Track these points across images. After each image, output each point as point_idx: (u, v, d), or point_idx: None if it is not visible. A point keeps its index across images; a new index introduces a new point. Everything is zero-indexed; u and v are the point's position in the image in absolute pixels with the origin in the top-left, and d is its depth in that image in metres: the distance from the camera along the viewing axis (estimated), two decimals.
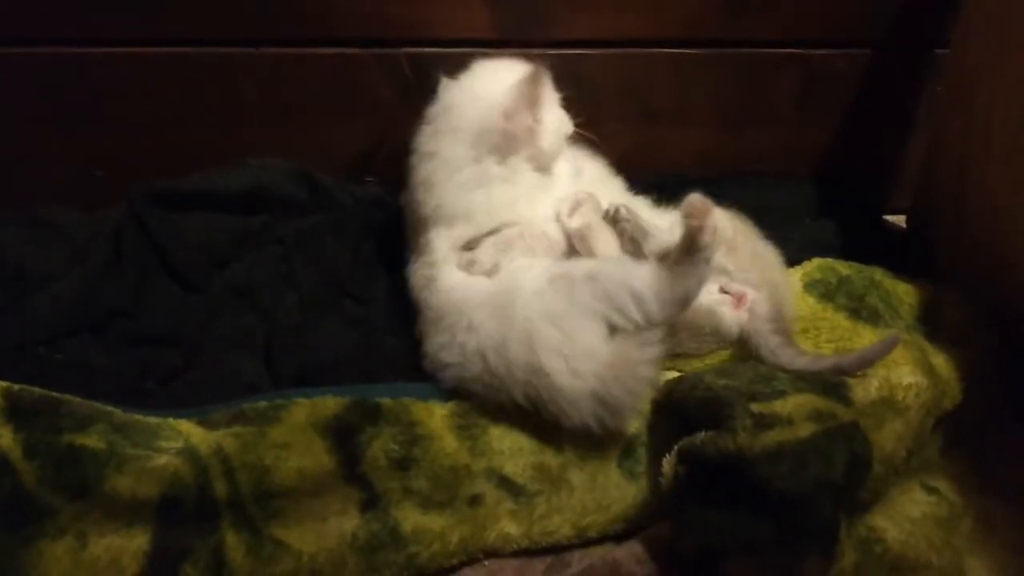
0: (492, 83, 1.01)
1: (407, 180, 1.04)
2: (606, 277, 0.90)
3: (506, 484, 0.90)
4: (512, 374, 0.89)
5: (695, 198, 0.89)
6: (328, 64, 1.22)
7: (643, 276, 0.89)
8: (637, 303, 0.88)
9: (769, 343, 0.91)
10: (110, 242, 1.14)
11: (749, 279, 0.96)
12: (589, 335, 0.89)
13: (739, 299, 0.95)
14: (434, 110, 1.04)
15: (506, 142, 0.98)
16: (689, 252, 0.88)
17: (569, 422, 0.88)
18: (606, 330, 0.89)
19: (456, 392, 0.95)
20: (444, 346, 0.95)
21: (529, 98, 0.97)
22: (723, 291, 0.97)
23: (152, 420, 0.91)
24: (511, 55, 1.06)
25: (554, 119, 1.01)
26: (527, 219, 0.99)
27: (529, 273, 0.92)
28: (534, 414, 0.90)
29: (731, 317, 0.95)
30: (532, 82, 0.97)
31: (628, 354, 0.88)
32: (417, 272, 1.02)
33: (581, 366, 0.87)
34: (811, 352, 0.92)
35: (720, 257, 0.96)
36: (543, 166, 1.01)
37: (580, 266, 0.93)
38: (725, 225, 0.96)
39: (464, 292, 0.95)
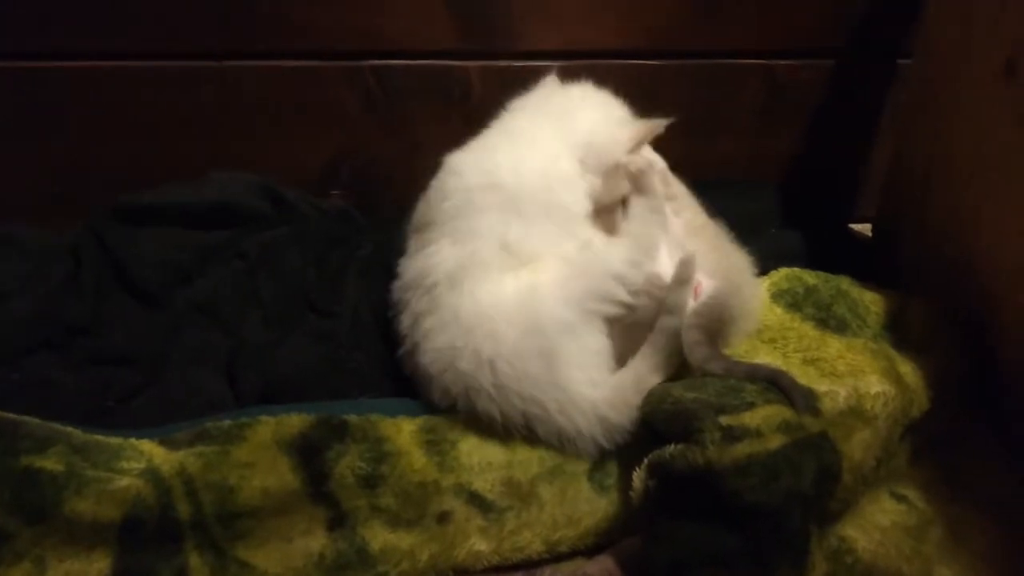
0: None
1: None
2: (589, 273, 0.90)
3: (476, 500, 0.89)
4: (521, 387, 0.88)
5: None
6: (292, 77, 1.22)
7: (614, 254, 0.90)
8: (620, 282, 0.89)
9: (688, 336, 0.89)
10: (70, 258, 1.13)
11: (705, 266, 0.95)
12: (596, 338, 0.90)
13: (695, 287, 0.94)
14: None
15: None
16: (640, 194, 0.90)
17: (574, 437, 0.88)
18: (605, 327, 0.90)
19: (429, 404, 0.94)
20: (451, 350, 0.91)
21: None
22: None
23: (113, 440, 0.89)
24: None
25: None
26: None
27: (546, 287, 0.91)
28: (502, 429, 0.90)
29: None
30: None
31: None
32: (437, 268, 0.94)
33: (597, 374, 0.88)
34: (730, 357, 0.91)
35: (679, 231, 0.97)
36: None
37: (560, 272, 0.92)
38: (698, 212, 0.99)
39: (496, 297, 0.92)
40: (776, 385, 0.84)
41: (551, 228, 0.95)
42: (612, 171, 0.97)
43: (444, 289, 0.93)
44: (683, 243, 0.96)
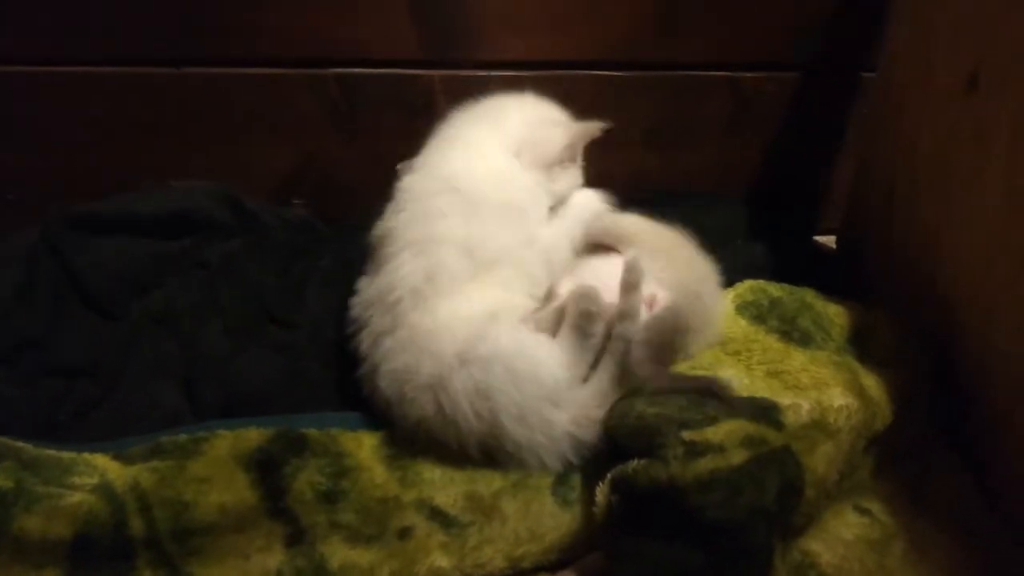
0: None
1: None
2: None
3: (437, 515, 0.87)
4: (482, 410, 0.87)
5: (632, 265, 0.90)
6: (254, 84, 1.20)
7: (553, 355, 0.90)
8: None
9: (634, 353, 0.88)
10: (22, 268, 1.10)
11: (662, 279, 0.94)
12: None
13: (650, 303, 0.93)
14: None
15: None
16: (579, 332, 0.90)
17: (540, 456, 0.88)
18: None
19: (388, 421, 0.93)
20: (409, 373, 0.90)
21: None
22: None
23: (65, 455, 0.87)
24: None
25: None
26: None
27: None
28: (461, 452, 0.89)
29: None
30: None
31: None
32: (402, 283, 0.93)
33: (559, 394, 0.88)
34: (675, 372, 0.90)
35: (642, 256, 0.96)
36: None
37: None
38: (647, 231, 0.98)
39: (456, 318, 0.91)
40: (715, 396, 0.84)
41: (508, 229, 0.96)
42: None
43: (408, 306, 0.92)
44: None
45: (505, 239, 0.96)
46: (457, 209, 0.95)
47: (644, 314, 0.91)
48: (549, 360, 0.88)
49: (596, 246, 0.99)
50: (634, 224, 0.99)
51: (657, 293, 0.93)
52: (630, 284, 0.89)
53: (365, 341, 0.95)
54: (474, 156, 0.99)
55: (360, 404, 0.97)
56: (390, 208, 0.99)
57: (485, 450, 0.89)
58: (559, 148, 0.99)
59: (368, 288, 0.97)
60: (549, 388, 0.88)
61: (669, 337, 0.91)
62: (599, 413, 0.87)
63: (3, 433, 0.88)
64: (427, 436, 0.90)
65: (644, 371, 0.87)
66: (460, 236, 0.93)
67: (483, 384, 0.86)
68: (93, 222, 1.14)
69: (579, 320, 0.89)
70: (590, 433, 0.88)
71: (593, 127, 0.99)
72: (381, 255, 0.97)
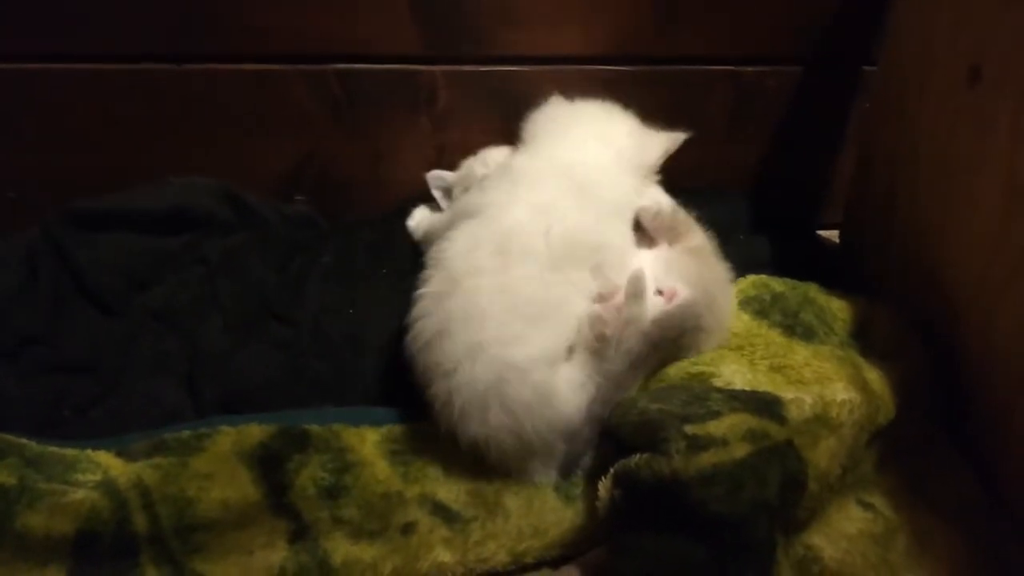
0: None
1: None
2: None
3: (440, 510, 0.87)
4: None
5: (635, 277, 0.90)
6: (254, 81, 1.20)
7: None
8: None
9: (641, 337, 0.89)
10: (23, 265, 1.10)
11: (686, 277, 0.94)
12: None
13: (670, 296, 0.93)
14: None
15: None
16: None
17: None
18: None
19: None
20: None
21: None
22: (659, 292, 0.95)
23: (68, 452, 0.87)
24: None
25: None
26: None
27: None
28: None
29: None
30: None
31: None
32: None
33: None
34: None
35: (672, 253, 0.97)
36: None
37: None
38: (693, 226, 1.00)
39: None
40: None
41: (612, 225, 0.97)
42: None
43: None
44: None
45: (607, 234, 0.96)
46: (570, 196, 0.95)
47: (661, 305, 0.91)
48: (569, 407, 0.88)
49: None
50: (686, 219, 1.00)
51: (678, 288, 0.93)
52: (634, 293, 0.89)
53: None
54: (588, 149, 1.01)
55: (361, 399, 0.98)
56: (482, 183, 1.00)
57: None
58: (659, 154, 1.03)
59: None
60: (560, 430, 0.88)
61: (677, 332, 0.91)
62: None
63: (5, 429, 0.88)
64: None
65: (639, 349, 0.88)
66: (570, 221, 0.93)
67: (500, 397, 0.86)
68: (93, 218, 1.14)
69: (595, 343, 0.89)
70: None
71: (680, 136, 1.04)
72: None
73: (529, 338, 0.87)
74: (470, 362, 0.85)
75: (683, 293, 0.93)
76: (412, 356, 0.90)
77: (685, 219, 1.00)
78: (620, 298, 0.91)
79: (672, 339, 0.91)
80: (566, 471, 0.89)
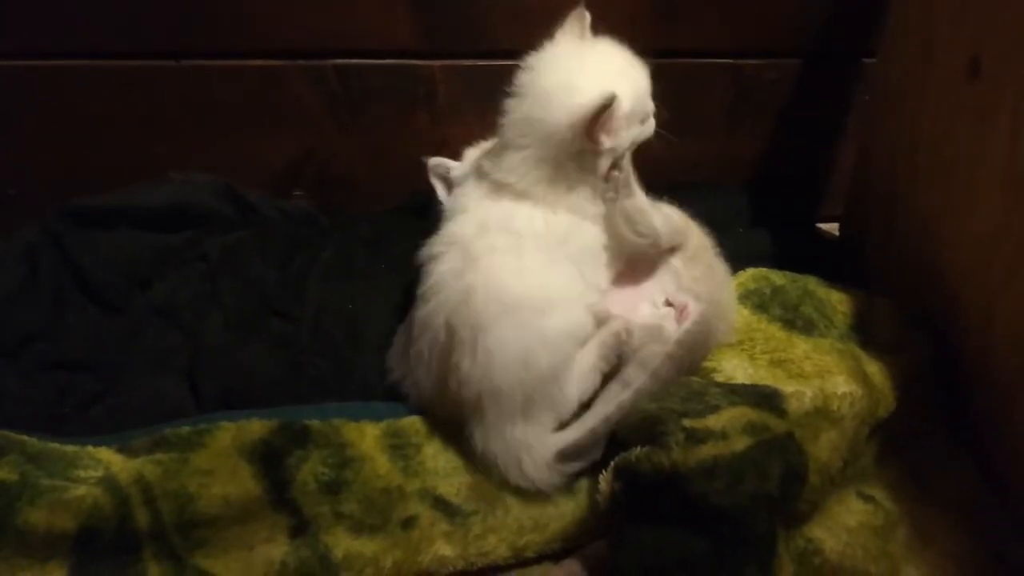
0: None
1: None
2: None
3: (441, 504, 0.88)
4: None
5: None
6: (253, 76, 1.20)
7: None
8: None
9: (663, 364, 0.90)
10: (24, 262, 1.11)
11: (696, 290, 0.95)
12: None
13: (682, 310, 0.94)
14: None
15: None
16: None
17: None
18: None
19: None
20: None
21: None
22: (668, 303, 0.96)
23: (69, 448, 0.87)
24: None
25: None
26: None
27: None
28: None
29: (673, 330, 0.94)
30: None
31: None
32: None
33: None
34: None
35: (677, 261, 0.97)
36: None
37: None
38: (693, 231, 0.99)
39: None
40: None
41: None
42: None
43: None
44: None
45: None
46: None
47: (675, 324, 0.93)
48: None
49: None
50: (683, 229, 0.99)
51: (688, 302, 0.94)
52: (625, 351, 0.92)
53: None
54: None
55: (361, 396, 0.98)
56: None
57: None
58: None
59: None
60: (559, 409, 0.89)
61: (698, 348, 0.93)
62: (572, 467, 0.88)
63: (7, 426, 0.87)
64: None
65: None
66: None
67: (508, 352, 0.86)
68: (94, 216, 1.14)
69: (610, 349, 0.91)
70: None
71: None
72: None
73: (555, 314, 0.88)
74: (500, 326, 0.86)
75: (693, 308, 0.94)
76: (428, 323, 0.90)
77: (683, 229, 0.99)
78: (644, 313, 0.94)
79: (694, 357, 0.92)
80: (571, 477, 0.89)
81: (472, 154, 1.09)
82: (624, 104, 0.91)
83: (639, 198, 0.93)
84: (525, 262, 0.89)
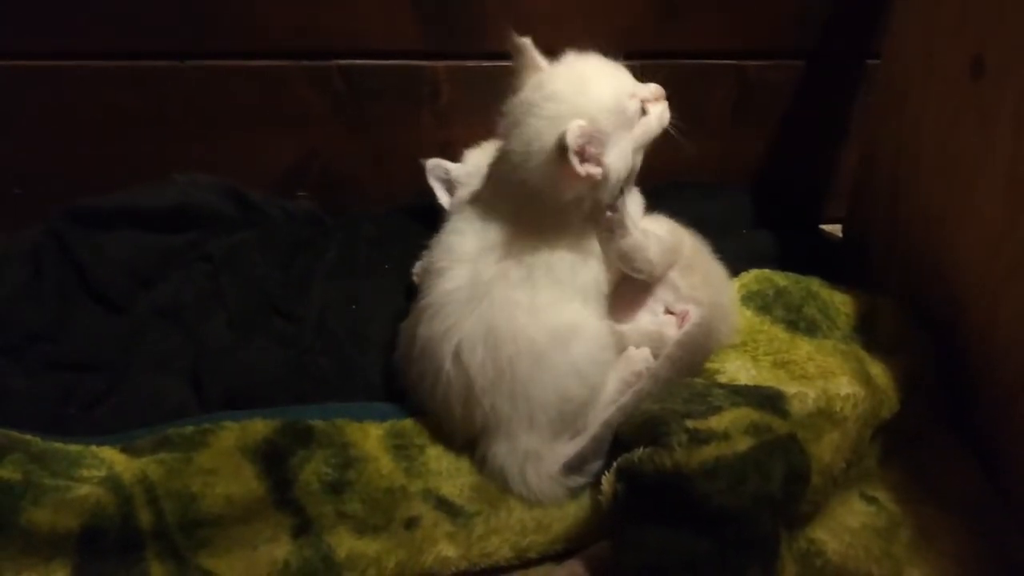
0: None
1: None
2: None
3: (444, 505, 0.88)
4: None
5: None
6: (257, 77, 1.20)
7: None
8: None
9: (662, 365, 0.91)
10: (29, 263, 1.11)
11: (696, 297, 0.95)
12: None
13: (682, 318, 0.95)
14: None
15: None
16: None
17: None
18: None
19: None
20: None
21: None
22: (668, 311, 0.96)
23: (73, 448, 0.87)
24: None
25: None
26: None
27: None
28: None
29: (673, 336, 0.95)
30: None
31: None
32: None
33: None
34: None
35: (674, 274, 0.97)
36: None
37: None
38: (686, 243, 0.98)
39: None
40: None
41: None
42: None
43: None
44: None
45: None
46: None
47: (676, 329, 0.94)
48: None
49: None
50: (677, 238, 0.99)
51: (689, 309, 0.95)
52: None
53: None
54: None
55: (364, 396, 0.98)
56: None
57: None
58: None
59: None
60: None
61: (699, 350, 0.93)
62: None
63: (11, 426, 0.87)
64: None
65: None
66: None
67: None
68: (98, 216, 1.14)
69: (629, 386, 0.91)
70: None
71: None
72: None
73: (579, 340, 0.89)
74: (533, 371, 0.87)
75: (694, 312, 0.95)
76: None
77: (675, 246, 0.98)
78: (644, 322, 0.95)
79: (695, 359, 0.93)
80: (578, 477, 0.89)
81: (473, 155, 1.09)
82: (599, 120, 0.89)
83: (634, 236, 0.93)
84: (540, 298, 0.89)
